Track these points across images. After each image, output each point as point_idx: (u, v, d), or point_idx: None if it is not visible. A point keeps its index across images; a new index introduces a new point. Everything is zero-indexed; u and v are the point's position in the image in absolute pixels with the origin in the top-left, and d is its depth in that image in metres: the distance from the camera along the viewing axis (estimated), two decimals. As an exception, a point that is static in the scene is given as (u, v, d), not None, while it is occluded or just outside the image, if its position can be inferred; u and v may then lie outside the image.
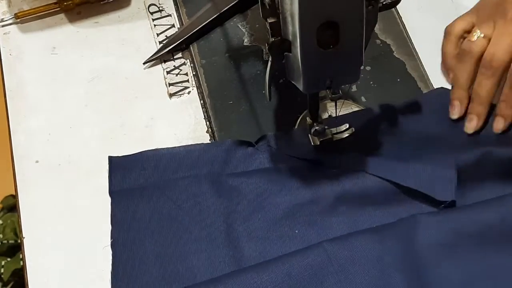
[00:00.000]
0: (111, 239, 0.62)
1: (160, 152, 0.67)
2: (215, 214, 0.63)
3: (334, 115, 0.66)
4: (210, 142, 0.68)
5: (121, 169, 0.66)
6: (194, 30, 0.74)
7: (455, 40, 0.69)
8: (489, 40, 0.65)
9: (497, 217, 0.58)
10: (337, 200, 0.63)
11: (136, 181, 0.65)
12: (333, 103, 0.65)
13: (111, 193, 0.65)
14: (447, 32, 0.70)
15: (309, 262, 0.57)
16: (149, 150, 0.67)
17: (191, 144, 0.67)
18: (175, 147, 0.67)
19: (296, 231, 0.62)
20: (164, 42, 0.74)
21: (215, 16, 0.74)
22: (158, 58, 0.73)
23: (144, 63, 0.73)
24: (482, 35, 0.66)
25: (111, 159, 0.66)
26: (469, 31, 0.68)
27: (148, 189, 0.64)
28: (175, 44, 0.73)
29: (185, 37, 0.73)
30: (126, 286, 0.60)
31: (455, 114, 0.67)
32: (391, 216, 0.61)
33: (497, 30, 0.65)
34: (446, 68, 0.70)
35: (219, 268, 0.60)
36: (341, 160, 0.65)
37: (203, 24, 0.74)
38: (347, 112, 0.68)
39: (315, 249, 0.58)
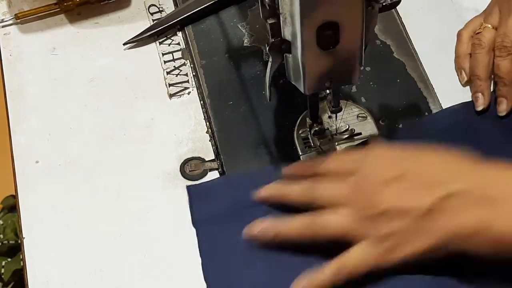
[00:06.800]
0: (203, 270, 0.60)
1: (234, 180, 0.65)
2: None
3: (333, 117, 0.66)
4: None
5: (202, 197, 0.64)
6: (188, 13, 0.74)
7: (466, 40, 0.70)
8: (497, 28, 0.68)
9: None
10: None
11: (217, 208, 0.63)
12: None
13: (195, 223, 0.63)
14: (458, 35, 0.71)
15: None
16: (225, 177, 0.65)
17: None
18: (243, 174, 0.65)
19: None
20: (155, 22, 0.75)
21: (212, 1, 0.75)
22: (143, 38, 0.74)
23: (125, 44, 0.74)
24: (489, 26, 0.68)
25: (190, 189, 0.64)
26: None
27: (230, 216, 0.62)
28: (163, 26, 0.74)
29: (176, 20, 0.74)
30: None
31: (479, 105, 0.67)
32: None
33: (503, 15, 0.67)
34: (459, 68, 0.71)
35: None
36: None
37: (198, 8, 0.74)
38: (347, 113, 0.68)
39: None
